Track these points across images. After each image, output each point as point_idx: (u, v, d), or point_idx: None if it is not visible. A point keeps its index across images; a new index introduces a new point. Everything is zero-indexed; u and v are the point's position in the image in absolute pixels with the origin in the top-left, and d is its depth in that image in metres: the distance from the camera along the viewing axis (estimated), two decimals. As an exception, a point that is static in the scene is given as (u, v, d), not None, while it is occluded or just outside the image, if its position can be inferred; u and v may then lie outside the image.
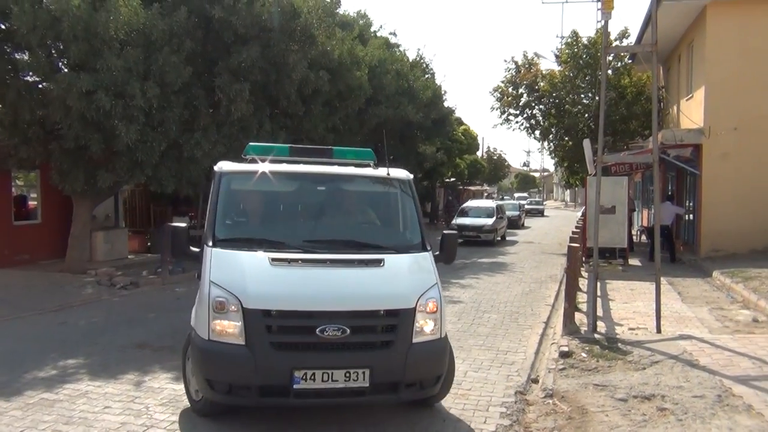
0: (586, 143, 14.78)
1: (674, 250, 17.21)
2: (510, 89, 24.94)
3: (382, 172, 6.34)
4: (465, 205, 28.32)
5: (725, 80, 16.10)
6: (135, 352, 7.95)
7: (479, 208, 26.37)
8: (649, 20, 15.28)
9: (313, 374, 4.85)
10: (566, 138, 24.16)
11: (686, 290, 12.35)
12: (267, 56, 14.21)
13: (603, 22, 9.78)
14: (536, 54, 25.90)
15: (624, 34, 23.63)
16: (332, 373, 4.88)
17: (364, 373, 4.91)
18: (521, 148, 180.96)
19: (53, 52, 13.04)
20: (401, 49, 23.80)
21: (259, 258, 5.23)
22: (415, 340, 5.11)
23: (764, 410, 5.45)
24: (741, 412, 5.45)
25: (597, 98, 19.13)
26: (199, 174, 14.04)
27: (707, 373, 6.51)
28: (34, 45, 12.02)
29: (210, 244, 5.39)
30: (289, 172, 6.18)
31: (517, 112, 25.08)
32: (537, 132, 25.44)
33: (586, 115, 22.84)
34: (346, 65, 17.19)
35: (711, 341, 7.81)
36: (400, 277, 5.39)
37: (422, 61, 24.55)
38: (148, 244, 19.37)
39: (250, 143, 6.42)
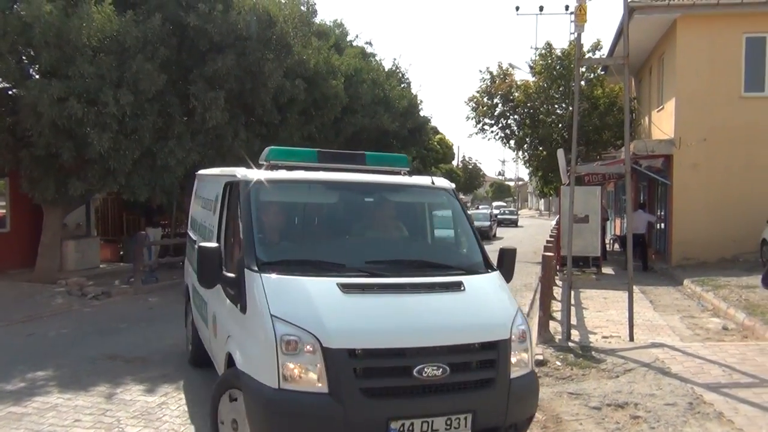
0: (560, 153, 14.99)
1: (647, 259, 17.46)
2: (485, 99, 25.19)
3: (425, 180, 5.80)
4: None
5: (695, 92, 16.44)
6: (106, 363, 7.81)
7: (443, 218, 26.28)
8: (621, 33, 15.53)
9: (412, 424, 4.06)
10: (540, 148, 24.44)
11: (658, 299, 12.53)
12: (242, 64, 14.15)
13: (576, 34, 9.91)
14: (511, 65, 26.27)
15: (597, 46, 24.08)
16: (432, 422, 4.10)
17: (466, 419, 4.18)
18: (496, 157, 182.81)
19: (24, 58, 12.82)
20: (377, 58, 23.86)
21: (326, 285, 4.37)
22: (512, 375, 4.44)
23: (734, 417, 5.53)
24: (712, 420, 5.53)
25: (570, 109, 19.39)
26: (173, 182, 13.90)
27: (679, 381, 6.59)
28: (4, 51, 11.81)
29: (255, 268, 4.46)
30: (329, 180, 5.39)
31: (492, 121, 25.34)
32: (512, 142, 25.70)
33: (560, 125, 23.14)
34: (322, 74, 17.18)
35: (682, 349, 7.92)
36: (487, 302, 4.71)
37: (398, 70, 24.64)
38: (121, 253, 19.10)
39: (272, 147, 5.61)
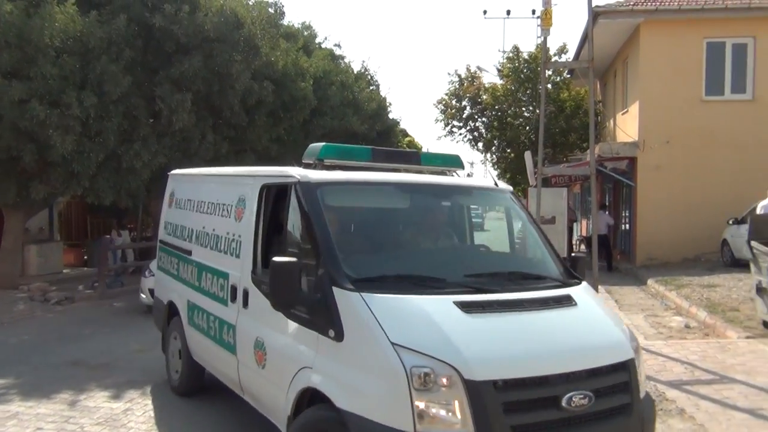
0: (527, 155, 15.13)
1: (611, 259, 17.76)
2: (454, 102, 25.39)
3: (487, 182, 5.42)
4: None
5: (658, 95, 16.78)
6: (69, 370, 7.66)
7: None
8: (586, 37, 15.80)
9: None
10: (508, 150, 24.70)
11: (623, 298, 12.74)
12: (210, 66, 14.02)
13: (542, 38, 10.05)
14: (479, 67, 26.49)
15: (563, 50, 24.41)
16: None
17: None
18: (465, 159, 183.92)
19: (-17, 59, 12.53)
20: (346, 60, 23.85)
21: (442, 304, 3.72)
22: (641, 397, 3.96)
23: (695, 413, 5.66)
24: (674, 416, 5.65)
25: (537, 111, 19.63)
26: (139, 185, 13.70)
27: (642, 379, 6.70)
28: (-38, 51, 11.53)
29: (349, 286, 3.74)
30: (402, 182, 4.87)
31: (461, 124, 25.56)
32: (480, 144, 25.94)
33: (527, 127, 23.40)
34: (290, 76, 17.13)
35: (646, 347, 8.06)
36: (601, 317, 4.21)
37: (367, 72, 24.65)
38: (85, 257, 18.77)
39: (324, 144, 4.92)
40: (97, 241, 16.41)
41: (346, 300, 3.72)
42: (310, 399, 3.93)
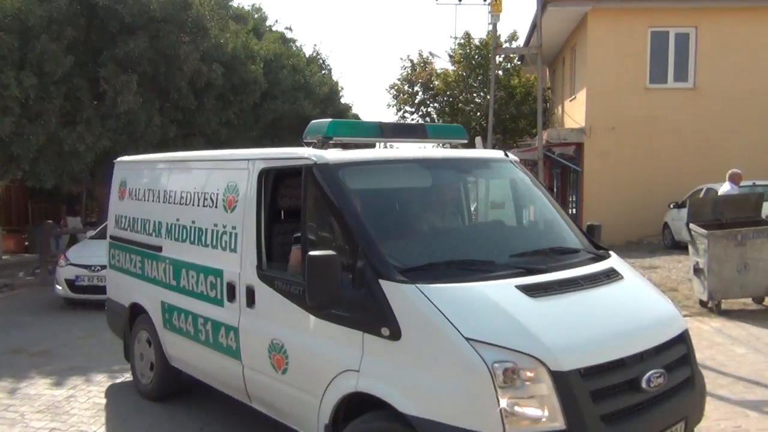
0: (478, 141, 15.17)
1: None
2: (406, 87, 25.47)
3: (498, 153, 5.09)
4: None
5: (604, 83, 17.14)
6: (9, 357, 7.44)
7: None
8: (536, 25, 16.03)
9: None
10: (460, 136, 24.89)
11: (569, 280, 13.04)
12: (156, 47, 13.67)
13: (492, 24, 10.16)
14: (431, 53, 26.70)
15: (513, 37, 24.73)
16: None
17: (680, 428, 3.57)
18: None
19: None
20: (297, 44, 23.62)
21: (506, 290, 3.44)
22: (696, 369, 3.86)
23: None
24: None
25: (488, 97, 19.84)
26: (82, 169, 13.30)
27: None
28: None
29: (399, 277, 3.41)
30: (423, 158, 4.64)
31: (413, 109, 25.69)
32: (432, 130, 26.06)
33: (479, 113, 23.67)
34: (240, 59, 16.84)
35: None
36: (647, 289, 4.13)
37: (319, 56, 24.46)
38: (26, 243, 18.18)
39: (331, 120, 4.47)
40: (39, 227, 15.91)
41: (400, 293, 3.36)
42: (356, 405, 3.58)
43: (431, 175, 4.57)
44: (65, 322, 9.29)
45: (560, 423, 3.04)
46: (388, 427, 3.34)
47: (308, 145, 4.36)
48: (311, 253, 3.47)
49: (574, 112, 19.11)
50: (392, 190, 4.39)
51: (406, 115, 25.74)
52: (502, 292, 3.40)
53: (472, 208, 5.10)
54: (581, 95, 18.11)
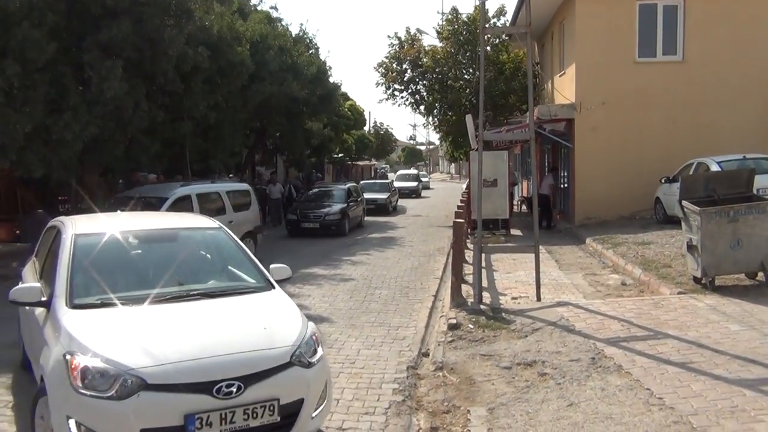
0: (469, 119, 15.24)
1: (551, 218, 18.31)
2: (394, 65, 25.19)
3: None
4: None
5: (593, 58, 17.08)
6: (7, 351, 7.42)
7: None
8: (524, 1, 15.85)
9: None
10: (450, 113, 24.77)
11: (563, 257, 13.12)
12: (140, 31, 13.43)
13: (481, 1, 10.03)
14: (419, 30, 26.30)
15: (501, 12, 24.54)
16: None
17: None
18: (407, 122, 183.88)
19: None
20: (283, 23, 23.31)
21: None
22: None
23: (632, 369, 5.92)
24: (612, 373, 5.89)
25: (478, 74, 19.70)
26: (71, 157, 13.14)
27: (582, 338, 6.97)
28: None
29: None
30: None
31: (402, 87, 25.42)
32: (422, 107, 25.90)
33: (468, 90, 23.48)
34: (226, 41, 16.61)
35: (585, 306, 8.35)
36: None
37: (305, 36, 24.17)
38: (17, 231, 17.98)
39: None
40: (30, 216, 15.73)
41: None
42: None
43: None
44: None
45: None
46: None
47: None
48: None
49: (563, 88, 19.04)
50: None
51: (395, 93, 25.51)
52: None
53: None
54: (571, 70, 18.03)
